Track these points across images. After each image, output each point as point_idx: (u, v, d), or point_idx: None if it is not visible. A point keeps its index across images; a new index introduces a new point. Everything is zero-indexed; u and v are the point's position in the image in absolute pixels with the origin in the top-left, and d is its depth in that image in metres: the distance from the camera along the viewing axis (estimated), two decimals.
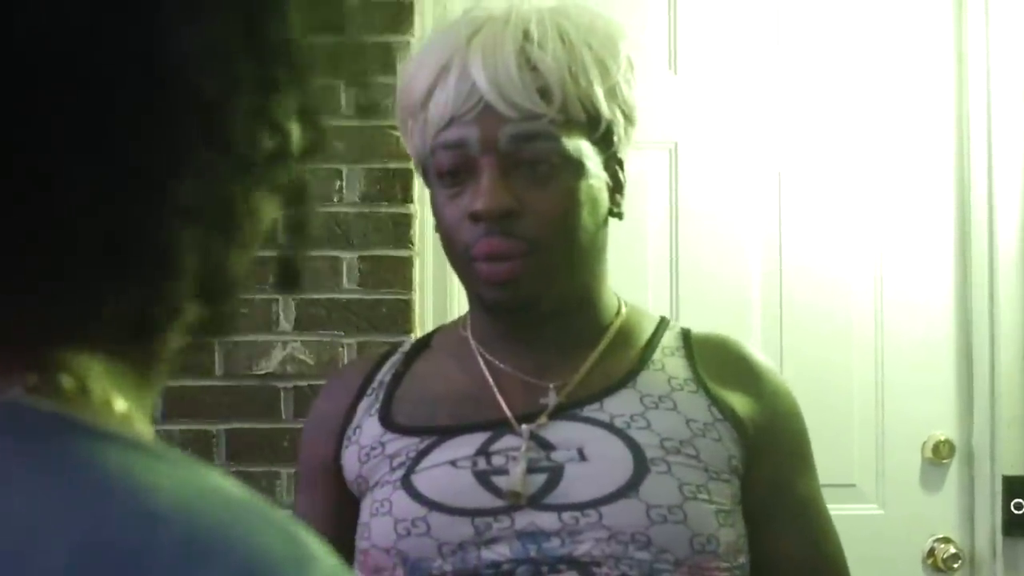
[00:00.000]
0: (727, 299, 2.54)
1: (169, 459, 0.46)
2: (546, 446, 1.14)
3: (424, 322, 2.42)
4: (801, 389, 2.45)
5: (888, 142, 2.57)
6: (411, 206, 2.36)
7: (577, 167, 1.12)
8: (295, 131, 0.54)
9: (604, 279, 1.21)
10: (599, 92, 1.12)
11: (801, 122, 2.56)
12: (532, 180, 1.11)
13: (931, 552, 2.53)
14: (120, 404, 0.49)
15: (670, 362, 1.20)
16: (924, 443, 2.54)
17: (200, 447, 2.36)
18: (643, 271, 2.54)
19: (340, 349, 2.34)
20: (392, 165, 2.36)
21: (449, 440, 1.15)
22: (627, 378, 1.18)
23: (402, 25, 2.37)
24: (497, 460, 1.13)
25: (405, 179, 2.36)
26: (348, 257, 2.36)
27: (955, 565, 2.51)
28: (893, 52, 2.57)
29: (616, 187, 1.20)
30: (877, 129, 2.57)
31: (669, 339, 1.22)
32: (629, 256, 2.53)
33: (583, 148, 1.13)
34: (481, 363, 1.19)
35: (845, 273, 2.55)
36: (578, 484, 1.12)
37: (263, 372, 2.36)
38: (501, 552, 1.11)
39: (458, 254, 1.14)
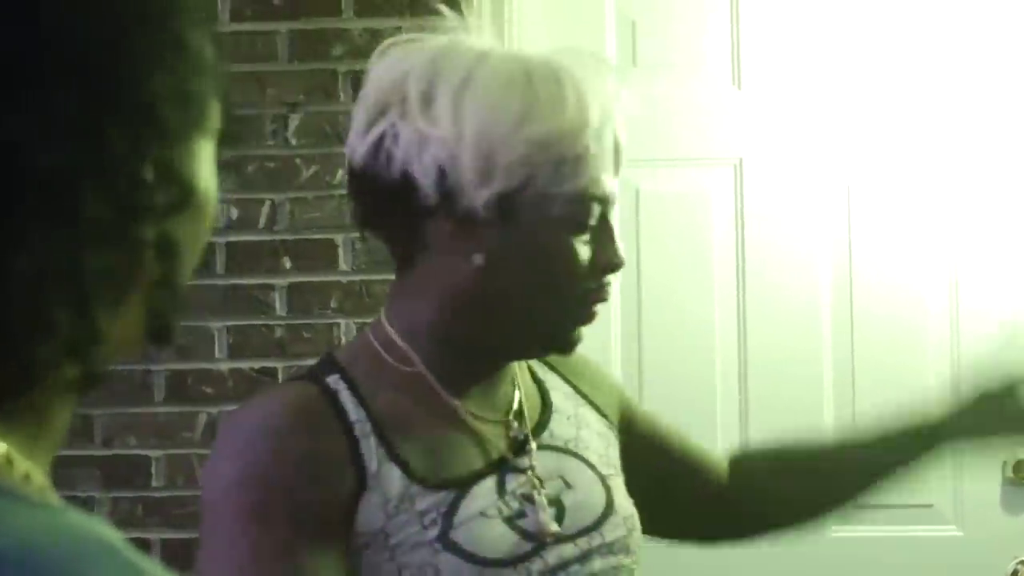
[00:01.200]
0: (796, 316, 2.54)
1: (34, 504, 0.50)
2: (539, 480, 1.21)
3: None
4: (874, 403, 2.49)
5: (959, 153, 2.55)
6: None
7: None
8: (158, 189, 0.56)
9: None
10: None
11: (868, 134, 2.56)
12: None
13: (1013, 574, 2.50)
14: (20, 464, 0.54)
15: (551, 380, 1.32)
16: (1005, 462, 2.52)
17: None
18: (709, 289, 2.54)
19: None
20: None
21: (469, 490, 1.17)
22: (546, 401, 1.29)
23: None
24: (512, 502, 1.18)
25: None
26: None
27: None
28: (964, 60, 2.55)
29: None
30: (947, 139, 2.55)
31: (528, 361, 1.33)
32: (696, 274, 2.55)
33: None
34: (453, 405, 1.19)
35: (918, 287, 2.54)
36: (577, 511, 1.23)
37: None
38: None
39: (571, 299, 1.18)
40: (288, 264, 2.44)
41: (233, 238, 2.45)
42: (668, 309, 2.55)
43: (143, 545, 2.43)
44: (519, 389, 1.25)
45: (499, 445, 1.20)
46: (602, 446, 1.29)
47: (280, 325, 2.43)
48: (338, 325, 2.42)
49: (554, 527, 1.18)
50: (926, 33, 2.57)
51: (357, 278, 2.43)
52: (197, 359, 2.45)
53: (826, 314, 2.55)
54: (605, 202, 1.16)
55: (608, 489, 1.25)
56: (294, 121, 2.45)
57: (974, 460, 2.47)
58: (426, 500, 1.14)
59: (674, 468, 1.40)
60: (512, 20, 2.56)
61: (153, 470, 2.45)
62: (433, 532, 1.13)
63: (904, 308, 2.54)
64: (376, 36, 2.43)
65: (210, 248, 2.42)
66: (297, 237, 2.44)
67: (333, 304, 2.43)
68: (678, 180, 2.57)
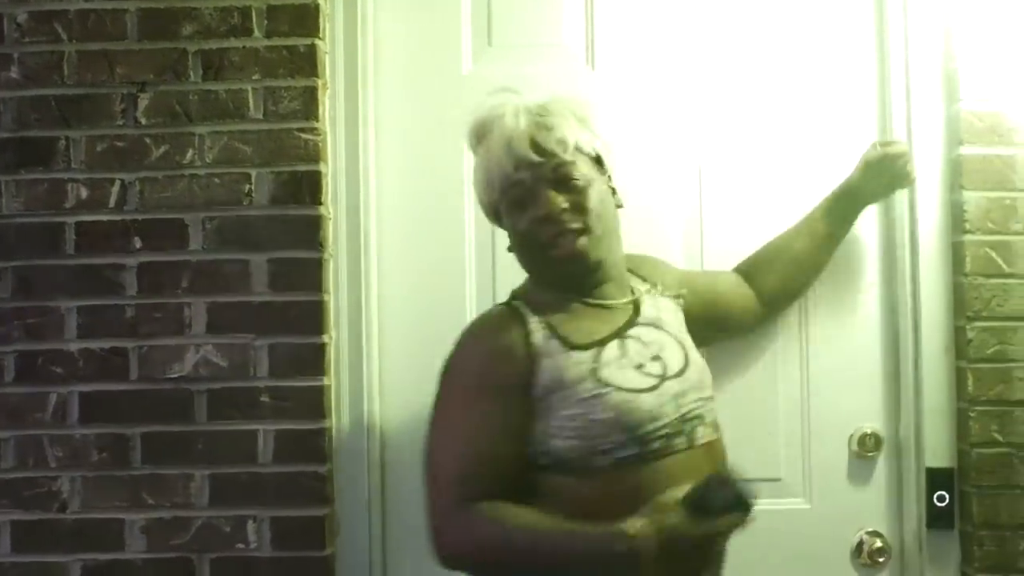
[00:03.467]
0: None
1: None
2: (648, 344, 2.12)
3: (339, 323, 2.57)
4: (726, 383, 2.63)
5: (809, 136, 2.69)
6: (321, 208, 2.50)
7: (591, 179, 2.09)
8: None
9: (621, 244, 2.18)
10: (588, 139, 2.10)
11: (720, 115, 2.69)
12: (569, 190, 2.07)
13: (859, 546, 2.66)
14: None
15: (634, 282, 2.25)
16: (851, 436, 2.67)
17: (116, 451, 2.51)
18: None
19: (252, 351, 2.48)
20: (301, 168, 2.51)
21: (604, 347, 2.06)
22: (635, 294, 2.21)
23: (309, 28, 2.52)
24: (635, 357, 2.07)
25: (314, 181, 2.50)
26: (258, 260, 2.50)
27: (881, 559, 2.64)
28: (813, 40, 2.70)
29: (613, 192, 2.16)
30: (798, 124, 2.69)
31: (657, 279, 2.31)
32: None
33: (592, 169, 2.11)
34: (582, 301, 2.14)
35: None
36: (672, 360, 2.11)
37: (177, 375, 2.51)
38: (670, 409, 2.04)
39: (538, 249, 2.10)
40: (138, 244, 2.53)
41: (83, 218, 2.53)
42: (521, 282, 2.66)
43: None
44: (630, 289, 2.20)
45: (617, 322, 2.12)
46: (674, 320, 2.20)
47: (131, 305, 2.52)
48: (189, 305, 2.51)
49: (669, 370, 2.08)
50: (775, 15, 2.71)
51: (208, 257, 2.51)
52: (47, 339, 2.53)
53: None
54: (521, 185, 2.07)
55: (684, 349, 2.14)
56: (144, 101, 2.53)
57: (821, 435, 2.65)
58: (581, 355, 2.05)
59: (726, 297, 2.46)
60: (368, 0, 2.67)
61: (2, 451, 2.53)
62: (588, 370, 2.03)
63: None
64: (226, 15, 2.53)
65: (60, 228, 2.51)
66: (147, 217, 2.52)
67: (184, 283, 2.52)
68: None
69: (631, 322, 2.12)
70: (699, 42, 2.71)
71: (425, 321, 2.64)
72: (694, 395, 2.08)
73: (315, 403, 2.49)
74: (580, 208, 2.04)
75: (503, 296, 2.65)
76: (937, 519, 2.61)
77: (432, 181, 2.68)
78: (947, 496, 2.60)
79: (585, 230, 2.04)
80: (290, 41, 2.52)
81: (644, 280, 2.25)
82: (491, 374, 2.03)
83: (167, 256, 2.51)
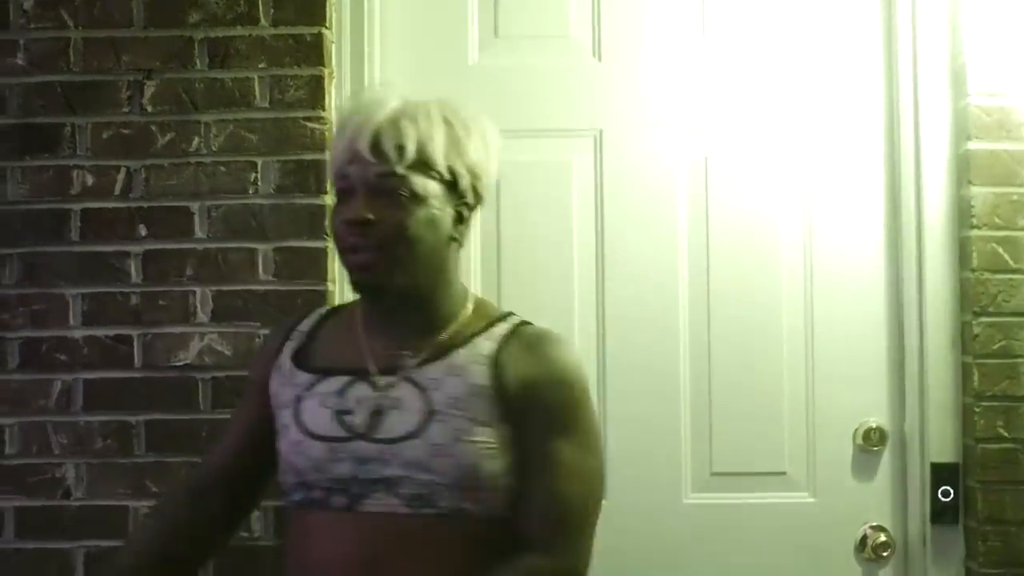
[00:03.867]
0: (653, 284, 2.68)
1: None
2: (381, 395, 1.79)
3: None
4: (730, 376, 2.64)
5: (816, 128, 2.70)
6: (326, 197, 2.52)
7: (421, 200, 1.78)
8: None
9: (448, 282, 1.85)
10: (442, 155, 1.79)
11: (727, 106, 2.70)
12: (388, 203, 1.76)
13: (863, 540, 2.67)
14: None
15: (483, 345, 1.83)
16: (855, 430, 2.68)
17: (120, 438, 2.52)
18: (569, 259, 2.68)
19: (257, 340, 2.50)
20: (306, 157, 2.52)
21: (331, 378, 1.82)
22: (447, 354, 1.82)
23: (315, 17, 2.53)
24: (348, 401, 1.79)
25: (319, 170, 2.51)
26: (263, 248, 2.52)
27: (885, 553, 2.66)
28: (821, 33, 2.71)
29: (460, 220, 1.84)
30: (804, 115, 2.70)
31: (499, 330, 1.85)
32: (555, 244, 2.68)
33: (432, 188, 1.78)
34: (360, 332, 1.86)
35: (773, 260, 2.69)
36: (390, 425, 1.77)
37: (181, 363, 2.52)
38: (343, 469, 1.77)
39: (339, 250, 1.82)
40: (143, 231, 2.54)
41: (88, 205, 2.54)
42: (528, 278, 2.68)
43: None
44: (448, 336, 1.83)
45: (381, 359, 1.81)
46: (465, 395, 1.78)
47: (135, 293, 2.53)
48: (194, 293, 2.52)
49: (377, 432, 1.76)
50: (783, 8, 2.72)
51: (213, 246, 2.53)
52: (52, 326, 2.54)
53: (683, 286, 2.69)
54: (346, 179, 1.79)
55: (427, 424, 1.76)
56: (150, 88, 2.55)
57: (825, 428, 2.66)
58: (299, 377, 1.85)
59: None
60: None
61: (7, 437, 2.55)
62: (294, 397, 1.84)
63: (759, 279, 2.69)
64: (233, 3, 2.54)
65: (65, 215, 2.52)
66: (152, 204, 2.54)
67: (189, 271, 2.53)
68: (539, 151, 2.69)
69: (398, 367, 1.80)
70: (706, 34, 2.72)
71: None
72: (400, 472, 1.74)
73: None
74: (386, 225, 1.75)
75: (508, 283, 2.68)
76: (941, 514, 2.62)
77: None
78: (951, 491, 2.61)
79: (380, 248, 1.76)
80: (296, 30, 2.53)
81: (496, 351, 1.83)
82: (249, 368, 2.02)
83: (172, 244, 2.53)
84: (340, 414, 1.78)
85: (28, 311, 2.55)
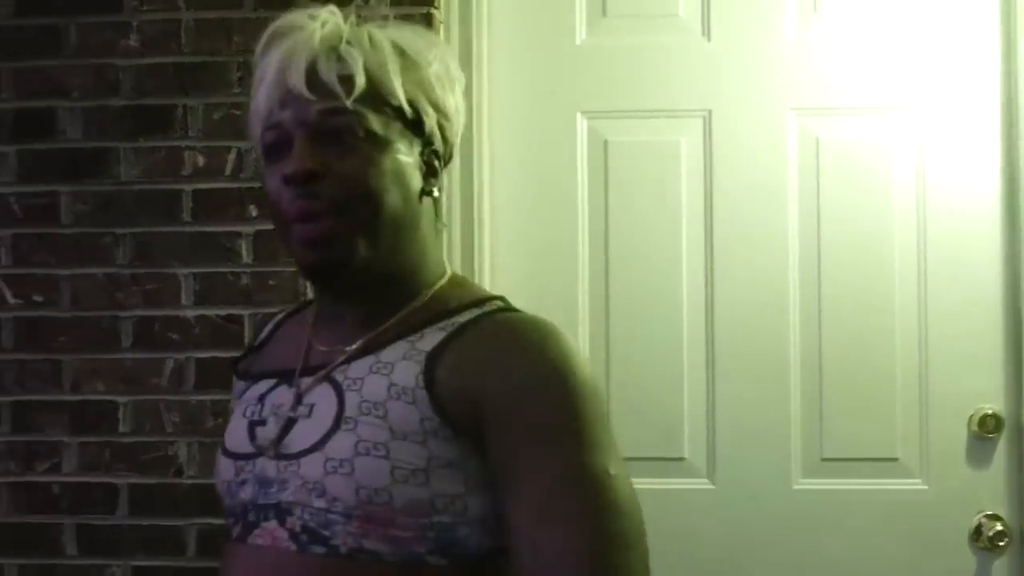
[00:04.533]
0: (763, 266, 2.67)
1: None
2: (298, 401, 1.40)
3: None
4: (841, 360, 2.62)
5: (930, 105, 2.67)
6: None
7: (381, 142, 1.37)
8: None
9: (419, 253, 1.43)
10: (400, 86, 1.38)
11: (839, 85, 2.68)
12: (339, 150, 1.35)
13: (978, 529, 2.64)
14: None
15: (431, 335, 1.38)
16: (971, 417, 2.64)
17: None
18: (677, 240, 2.67)
19: None
20: None
21: (255, 385, 1.47)
22: (383, 345, 1.39)
23: None
24: (265, 410, 1.42)
25: None
26: None
27: (1001, 543, 2.62)
28: (935, 7, 2.68)
29: (430, 172, 1.44)
30: (918, 93, 2.67)
31: (461, 317, 1.39)
32: (664, 225, 2.68)
33: (392, 130, 1.38)
34: (309, 328, 1.49)
35: (886, 241, 2.66)
36: (296, 438, 1.37)
37: None
38: (246, 492, 1.40)
39: (280, 223, 1.39)
40: (254, 212, 2.58)
41: (200, 185, 2.59)
42: (635, 260, 2.68)
43: (110, 490, 2.59)
44: (379, 329, 1.40)
45: (327, 355, 1.42)
46: (383, 398, 1.33)
47: (246, 272, 2.57)
48: None
49: (286, 447, 1.37)
50: None
51: None
52: (164, 306, 2.59)
53: (794, 267, 2.67)
54: (278, 127, 1.37)
55: (333, 430, 1.34)
56: None
57: (939, 414, 2.64)
58: (239, 385, 1.56)
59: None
60: None
61: (120, 415, 2.60)
62: (231, 408, 1.54)
63: (872, 263, 2.66)
64: None
65: (177, 195, 2.57)
66: (263, 185, 2.57)
67: None
68: (647, 131, 2.69)
69: (326, 364, 1.41)
70: (818, 9, 2.70)
71: (537, 293, 2.67)
72: (293, 496, 1.34)
73: None
74: (340, 177, 1.35)
75: (615, 266, 2.68)
76: None
77: (545, 150, 2.70)
78: None
79: (336, 211, 1.35)
80: (405, 10, 2.55)
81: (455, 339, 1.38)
82: None
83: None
84: (253, 426, 1.42)
85: (141, 291, 2.60)
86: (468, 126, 2.61)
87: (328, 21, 1.40)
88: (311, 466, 1.33)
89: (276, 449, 1.36)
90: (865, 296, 2.66)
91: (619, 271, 2.68)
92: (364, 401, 1.34)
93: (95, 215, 2.60)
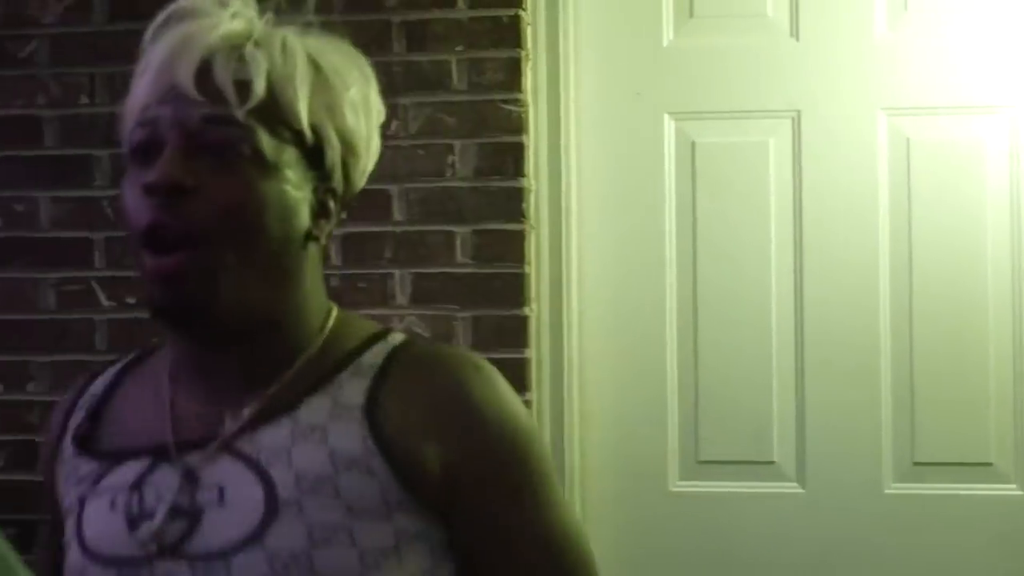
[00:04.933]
0: (853, 269, 2.65)
1: None
2: (194, 484, 1.12)
3: (540, 296, 2.61)
4: (933, 363, 2.60)
5: (1022, 104, 2.66)
6: (524, 180, 2.55)
7: (269, 167, 1.13)
8: None
9: (302, 300, 1.18)
10: (306, 106, 1.15)
11: (930, 85, 2.65)
12: (218, 165, 1.11)
13: None
14: None
15: (351, 384, 1.16)
16: None
17: None
18: (766, 242, 2.66)
19: (455, 323, 2.54)
20: (504, 139, 2.55)
21: (118, 467, 1.17)
22: (294, 404, 1.15)
23: None
24: (148, 499, 1.13)
25: (518, 153, 2.55)
26: (462, 231, 2.56)
27: None
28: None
29: (322, 213, 1.19)
30: (1010, 93, 2.64)
31: (371, 357, 1.18)
32: (752, 227, 2.67)
33: (285, 155, 1.14)
34: (166, 385, 1.20)
35: (979, 242, 2.63)
36: (212, 531, 1.10)
37: None
38: None
39: (134, 240, 1.14)
40: (344, 215, 2.60)
41: None
42: (724, 262, 2.67)
43: None
44: (274, 387, 1.16)
45: (186, 434, 1.16)
46: (328, 470, 1.11)
47: (335, 275, 2.60)
48: (392, 276, 2.58)
49: (159, 537, 1.11)
50: None
51: (411, 228, 2.58)
52: None
53: (884, 269, 2.65)
54: (152, 125, 1.14)
55: (271, 517, 1.09)
56: None
57: None
58: (85, 468, 1.21)
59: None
60: None
61: None
62: (77, 498, 1.20)
63: (964, 261, 2.63)
64: None
65: None
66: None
67: (388, 254, 2.59)
68: (735, 132, 2.69)
69: (216, 435, 1.15)
70: (908, 8, 2.68)
71: (624, 293, 2.67)
72: None
73: (517, 376, 2.53)
74: (213, 195, 1.10)
75: (704, 269, 2.68)
76: None
77: (632, 152, 2.70)
78: None
79: (198, 238, 1.10)
80: (493, 12, 2.56)
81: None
82: (39, 466, 1.35)
83: (371, 227, 2.58)
84: (135, 520, 1.13)
85: None
86: (555, 127, 2.63)
87: (239, 14, 1.17)
88: (248, 567, 1.08)
89: (183, 548, 1.10)
90: (958, 297, 2.64)
91: (707, 273, 2.68)
92: (301, 478, 1.10)
93: None
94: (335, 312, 1.23)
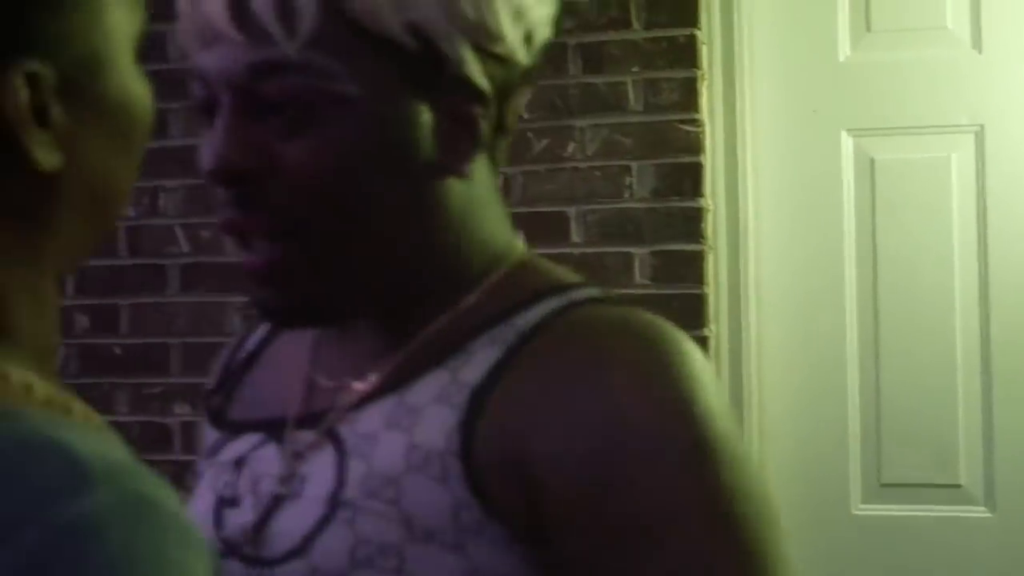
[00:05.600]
0: None
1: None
2: (289, 473, 0.91)
3: (719, 316, 2.61)
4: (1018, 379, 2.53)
5: None
6: (703, 200, 2.55)
7: (354, 109, 0.85)
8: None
9: (445, 248, 0.91)
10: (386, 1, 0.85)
11: None
12: (286, 126, 0.85)
13: None
14: (39, 386, 0.61)
15: (482, 353, 0.88)
16: None
17: None
18: (948, 260, 2.62)
19: None
20: (682, 159, 2.56)
21: (235, 440, 0.97)
22: (411, 378, 0.89)
23: (687, 19, 2.58)
24: (243, 481, 0.93)
25: (696, 173, 2.55)
26: (640, 252, 2.57)
27: None
28: None
29: (459, 133, 0.89)
30: None
31: (528, 317, 0.88)
32: (934, 245, 2.64)
33: (375, 81, 0.86)
34: (306, 353, 0.98)
35: None
36: (276, 532, 0.90)
37: None
38: None
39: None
40: (521, 236, 2.64)
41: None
42: (905, 281, 2.64)
43: None
44: (403, 352, 0.90)
45: (302, 405, 0.95)
46: (401, 468, 0.85)
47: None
48: None
49: (237, 536, 0.91)
50: None
51: (589, 250, 2.61)
52: None
53: None
54: (203, 79, 0.87)
55: (326, 520, 0.86)
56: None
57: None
58: (212, 436, 1.02)
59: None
60: None
61: None
62: (202, 469, 1.01)
63: None
64: (605, 8, 2.61)
65: None
66: (530, 210, 2.63)
67: None
68: (916, 148, 2.66)
69: (329, 411, 0.92)
70: None
71: (804, 313, 2.66)
72: None
73: None
74: (286, 176, 0.86)
75: (884, 288, 2.65)
76: None
77: (809, 170, 2.69)
78: None
79: (284, 230, 0.87)
80: (669, 32, 2.58)
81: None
82: None
83: (549, 248, 2.61)
84: (221, 507, 0.94)
85: None
86: (732, 146, 2.63)
87: None
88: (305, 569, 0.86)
89: (253, 547, 0.89)
90: None
91: (888, 292, 2.65)
92: (370, 475, 0.86)
93: None
94: (514, 256, 0.95)
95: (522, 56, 0.90)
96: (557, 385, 0.82)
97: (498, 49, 0.88)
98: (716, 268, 2.61)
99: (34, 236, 0.65)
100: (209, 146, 0.85)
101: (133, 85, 0.68)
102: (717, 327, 2.62)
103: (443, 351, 0.88)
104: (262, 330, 1.05)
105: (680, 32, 2.58)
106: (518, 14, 0.88)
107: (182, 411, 2.78)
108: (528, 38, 0.90)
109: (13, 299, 0.64)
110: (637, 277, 2.57)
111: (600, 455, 0.80)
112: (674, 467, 0.80)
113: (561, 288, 0.90)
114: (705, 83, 2.62)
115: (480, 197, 0.94)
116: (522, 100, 0.94)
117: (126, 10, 0.68)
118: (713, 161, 2.63)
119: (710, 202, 2.60)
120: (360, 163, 0.86)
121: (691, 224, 2.56)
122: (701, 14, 2.60)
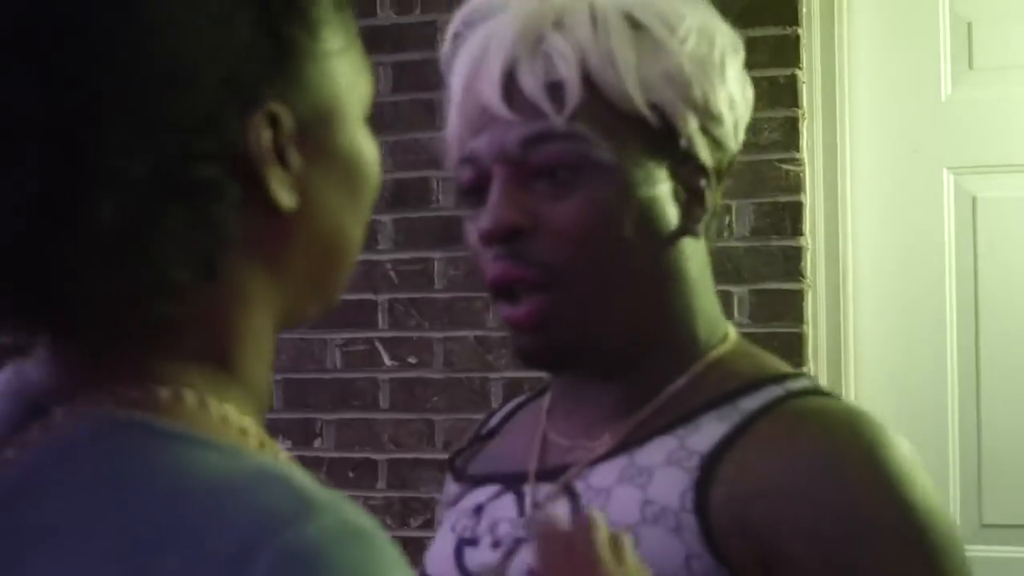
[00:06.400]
0: None
1: (224, 450, 0.62)
2: (528, 520, 1.05)
3: (818, 355, 2.63)
4: None
5: None
6: (802, 239, 2.58)
7: (612, 173, 1.00)
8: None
9: (683, 310, 1.05)
10: (637, 84, 1.00)
11: None
12: (553, 190, 1.00)
13: None
14: (215, 406, 0.64)
15: (709, 428, 1.01)
16: None
17: None
18: None
19: None
20: (782, 199, 2.59)
21: (473, 491, 1.12)
22: (641, 441, 1.03)
23: (788, 59, 2.61)
24: (482, 525, 1.07)
25: (795, 212, 2.58)
26: (739, 291, 2.60)
27: None
28: None
29: (693, 200, 1.05)
30: None
31: (750, 401, 1.02)
32: None
33: (628, 151, 1.01)
34: (543, 417, 1.12)
35: None
36: (516, 570, 1.01)
37: None
38: None
39: (486, 286, 1.05)
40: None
41: None
42: (1008, 321, 2.63)
43: None
44: (635, 417, 1.05)
45: (539, 460, 1.09)
46: (635, 520, 0.99)
47: None
48: None
49: (478, 571, 1.05)
50: None
51: None
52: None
53: None
54: (474, 161, 1.04)
55: None
56: None
57: None
58: (452, 489, 1.18)
59: None
60: (844, 21, 2.71)
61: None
62: (440, 519, 1.19)
63: None
64: None
65: None
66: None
67: None
68: (1018, 187, 2.65)
69: (567, 466, 1.06)
70: None
71: (904, 352, 2.67)
72: None
73: None
74: (554, 233, 1.00)
75: (986, 333, 2.65)
76: None
77: (910, 208, 2.70)
78: None
79: (550, 280, 1.01)
80: (769, 72, 2.61)
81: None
82: None
83: None
84: (462, 547, 1.07)
85: (511, 353, 2.73)
86: (832, 185, 2.65)
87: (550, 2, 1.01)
88: None
89: None
90: None
91: (990, 332, 2.65)
92: (607, 523, 0.93)
93: (467, 280, 2.76)
94: (732, 336, 1.09)
95: (732, 143, 1.07)
96: (800, 471, 0.97)
97: (717, 132, 1.05)
98: (815, 307, 2.63)
99: (268, 278, 0.68)
100: (488, 213, 1.00)
101: (364, 143, 0.72)
102: (816, 365, 2.64)
103: (670, 421, 1.02)
104: (507, 407, 1.21)
105: (781, 72, 2.61)
106: (732, 103, 1.05)
107: (283, 445, 2.86)
108: (735, 127, 1.07)
109: (247, 342, 0.68)
110: (736, 315, 2.60)
111: (844, 541, 0.95)
112: (902, 556, 0.95)
113: (779, 377, 1.04)
114: (805, 122, 2.64)
115: (701, 272, 1.07)
116: (724, 186, 1.09)
117: (359, 74, 0.72)
118: (813, 200, 2.65)
119: (810, 240, 2.62)
120: (617, 220, 1.01)
121: (791, 263, 2.58)
122: (802, 54, 2.63)
